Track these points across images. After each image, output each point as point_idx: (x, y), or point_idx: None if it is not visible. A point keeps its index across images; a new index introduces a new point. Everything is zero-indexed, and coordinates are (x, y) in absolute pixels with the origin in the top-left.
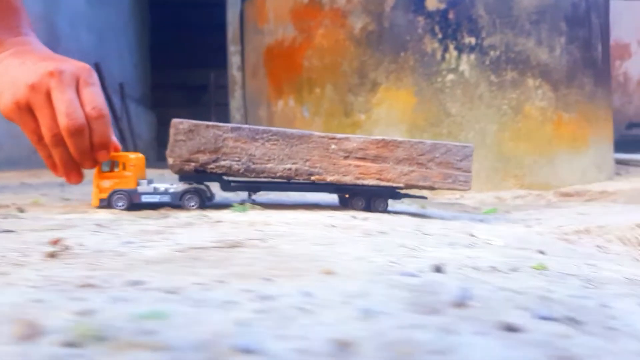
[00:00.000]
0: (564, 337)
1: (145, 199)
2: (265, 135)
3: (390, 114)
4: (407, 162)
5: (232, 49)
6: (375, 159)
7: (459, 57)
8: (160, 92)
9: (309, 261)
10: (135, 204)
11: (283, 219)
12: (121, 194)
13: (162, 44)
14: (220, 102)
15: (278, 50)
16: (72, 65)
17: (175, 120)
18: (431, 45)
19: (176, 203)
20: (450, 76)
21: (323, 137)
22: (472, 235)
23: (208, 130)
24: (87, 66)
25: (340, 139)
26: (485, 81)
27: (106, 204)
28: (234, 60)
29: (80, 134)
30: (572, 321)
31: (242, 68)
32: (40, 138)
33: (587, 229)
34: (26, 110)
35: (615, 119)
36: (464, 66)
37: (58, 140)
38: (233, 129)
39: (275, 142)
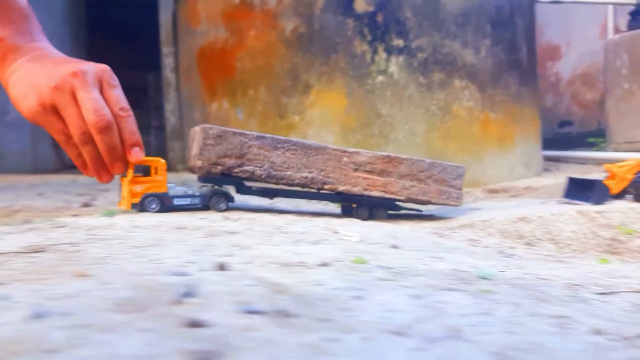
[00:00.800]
0: (246, 330)
1: (177, 202)
2: (286, 144)
3: (323, 116)
4: (408, 178)
5: (165, 50)
6: (381, 172)
7: (388, 59)
8: None
9: (89, 264)
10: (167, 207)
11: (146, 223)
12: (154, 197)
13: (99, 45)
14: (160, 105)
15: (211, 52)
16: (94, 67)
17: (205, 126)
18: (361, 47)
19: (204, 205)
20: (380, 78)
21: (336, 149)
22: (335, 232)
23: (235, 137)
24: (108, 67)
25: (351, 152)
26: (414, 82)
27: (139, 207)
28: (167, 62)
29: (108, 131)
30: (280, 314)
31: (176, 70)
32: (68, 138)
33: (471, 223)
34: (52, 111)
35: (548, 118)
36: (393, 68)
37: (87, 138)
38: (258, 137)
39: (295, 152)
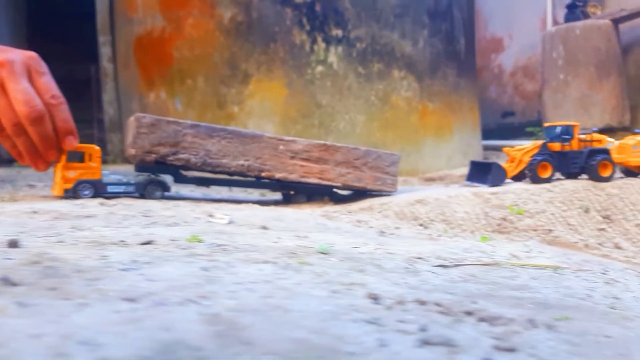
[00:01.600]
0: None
1: (111, 189)
2: (221, 133)
3: (263, 106)
4: (344, 165)
5: (102, 39)
6: (318, 160)
7: (327, 49)
8: None
9: None
10: (100, 194)
11: (11, 208)
12: (87, 183)
13: (40, 35)
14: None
15: (148, 41)
16: (21, 55)
17: (138, 115)
18: (300, 36)
19: (140, 193)
20: (320, 68)
21: (273, 138)
22: (210, 216)
23: (169, 126)
24: (35, 55)
25: (287, 141)
26: (353, 73)
27: (71, 193)
28: (104, 51)
29: (41, 121)
30: (7, 283)
31: (114, 60)
32: (1, 129)
33: (370, 206)
34: None
35: (492, 108)
36: (332, 58)
37: (19, 129)
38: (192, 126)
39: (231, 140)
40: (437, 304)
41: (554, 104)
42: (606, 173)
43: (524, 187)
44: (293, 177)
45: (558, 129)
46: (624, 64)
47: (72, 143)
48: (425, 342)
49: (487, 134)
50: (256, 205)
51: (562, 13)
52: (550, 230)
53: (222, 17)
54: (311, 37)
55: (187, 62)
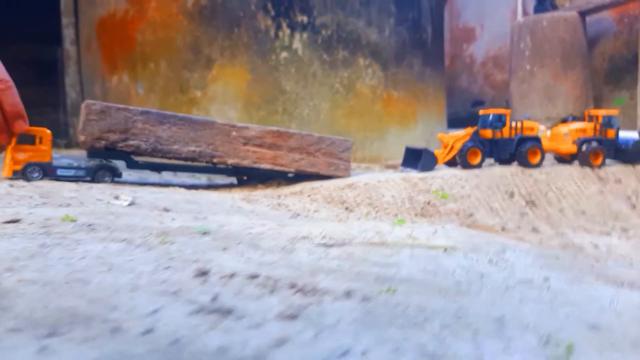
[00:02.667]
0: None
1: (60, 172)
2: (172, 119)
3: (226, 91)
4: (298, 151)
5: (65, 21)
6: (271, 146)
7: (292, 35)
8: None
9: None
10: (50, 177)
11: None
12: (36, 166)
13: (6, 15)
14: None
15: (111, 23)
16: None
17: (88, 102)
18: (264, 22)
19: (90, 177)
20: (284, 54)
21: (225, 124)
22: (116, 197)
23: (119, 112)
24: None
25: (240, 127)
26: (318, 59)
27: (20, 175)
28: (67, 33)
29: None
30: None
31: (77, 42)
32: None
33: (301, 190)
34: None
35: (463, 97)
36: (297, 44)
37: None
38: (142, 112)
39: (182, 127)
40: (268, 278)
41: (520, 93)
42: (535, 160)
43: (453, 173)
44: (246, 162)
45: (490, 117)
46: (589, 55)
47: (22, 126)
48: (200, 310)
49: (457, 122)
50: (183, 190)
51: (532, 4)
52: (471, 214)
53: (185, 0)
54: (276, 23)
55: (150, 46)
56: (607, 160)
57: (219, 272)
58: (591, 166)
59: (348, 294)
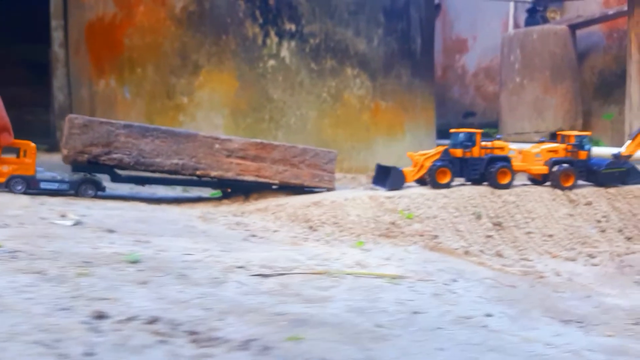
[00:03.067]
0: None
1: (44, 185)
2: (155, 132)
3: (212, 98)
4: (282, 163)
5: (54, 23)
6: (255, 158)
7: (279, 44)
8: None
9: None
10: (33, 190)
11: None
12: (20, 179)
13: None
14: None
15: (99, 27)
16: None
17: (70, 116)
18: (252, 29)
19: (74, 191)
20: (272, 62)
21: (208, 137)
22: (62, 216)
23: (102, 126)
24: None
25: (223, 139)
26: (305, 68)
27: (4, 187)
28: (56, 35)
29: None
30: None
31: (66, 44)
32: None
33: (266, 207)
34: None
35: (454, 108)
36: (284, 52)
37: None
38: (125, 126)
39: (164, 140)
40: (170, 322)
41: (510, 106)
42: (505, 180)
43: (421, 192)
44: (229, 175)
45: (461, 136)
46: (579, 69)
47: (7, 139)
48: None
49: (448, 133)
50: (143, 205)
51: (524, 17)
52: (436, 236)
53: (173, 6)
54: (264, 31)
55: (138, 51)
56: (580, 182)
57: (118, 315)
58: (562, 188)
59: (246, 344)
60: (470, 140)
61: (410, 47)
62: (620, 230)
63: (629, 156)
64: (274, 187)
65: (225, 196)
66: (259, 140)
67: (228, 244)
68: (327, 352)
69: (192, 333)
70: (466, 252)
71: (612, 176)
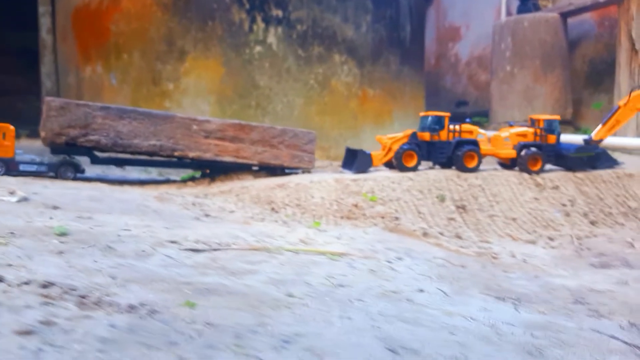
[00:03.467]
0: None
1: (23, 167)
2: (132, 114)
3: (198, 84)
4: (260, 144)
5: (42, 9)
6: (233, 139)
7: (266, 30)
8: None
9: None
10: (12, 172)
11: None
12: None
13: None
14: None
15: (86, 13)
16: None
17: (47, 98)
18: (239, 15)
19: (53, 173)
20: (258, 48)
21: (185, 118)
22: (11, 193)
23: (79, 108)
24: None
25: (201, 121)
26: (292, 55)
27: None
28: (43, 21)
29: None
30: None
31: (53, 31)
32: None
33: (230, 190)
34: None
35: (447, 97)
36: (271, 39)
37: None
38: (102, 108)
39: (142, 121)
40: (62, 287)
41: (500, 95)
42: (472, 164)
43: (387, 175)
44: (207, 156)
45: (429, 119)
46: (569, 57)
47: None
48: None
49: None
50: (104, 186)
51: (516, 5)
52: (397, 218)
53: None
54: (250, 16)
55: (124, 37)
56: (550, 167)
57: (15, 280)
58: (529, 172)
59: (133, 308)
60: (438, 124)
61: (399, 35)
62: (585, 214)
63: (600, 141)
64: (254, 168)
65: (204, 177)
66: (237, 121)
67: (175, 222)
68: (217, 317)
69: (83, 297)
70: (425, 234)
71: (581, 160)
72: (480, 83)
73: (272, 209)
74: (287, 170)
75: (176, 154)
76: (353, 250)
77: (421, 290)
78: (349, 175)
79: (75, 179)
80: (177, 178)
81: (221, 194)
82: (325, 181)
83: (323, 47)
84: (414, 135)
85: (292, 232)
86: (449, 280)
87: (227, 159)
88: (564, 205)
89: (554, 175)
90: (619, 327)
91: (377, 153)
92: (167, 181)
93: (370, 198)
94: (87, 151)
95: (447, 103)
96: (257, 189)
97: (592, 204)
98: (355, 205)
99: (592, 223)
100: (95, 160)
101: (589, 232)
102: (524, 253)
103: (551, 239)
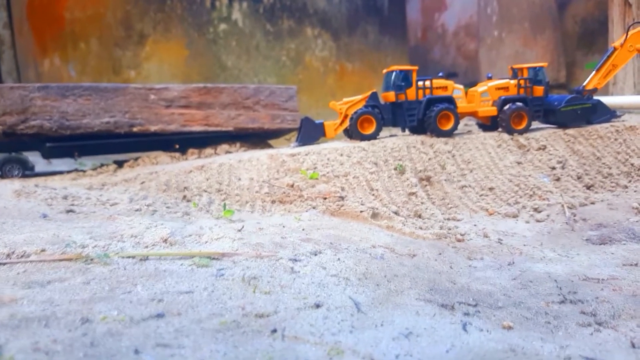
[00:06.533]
0: None
1: None
2: (76, 91)
3: (161, 69)
4: (233, 107)
5: None
6: (200, 105)
7: (230, 5)
8: None
9: None
10: None
11: None
12: None
13: None
14: None
15: (39, 2)
16: None
17: None
18: None
19: None
20: (223, 26)
21: (140, 87)
22: None
23: (13, 92)
24: None
25: (159, 89)
26: (260, 31)
27: None
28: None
29: None
30: None
31: (10, 25)
32: None
33: (136, 177)
34: None
35: (436, 70)
36: (236, 14)
37: None
38: (40, 88)
39: (89, 97)
40: None
41: (489, 61)
42: (447, 126)
43: (335, 147)
44: (172, 128)
45: (393, 75)
46: (560, 18)
47: None
48: None
49: None
50: None
51: None
52: (341, 198)
53: None
54: None
55: (80, 24)
56: (538, 126)
57: None
58: (513, 131)
59: None
60: (404, 80)
61: (376, 3)
62: (579, 178)
63: (594, 90)
64: (232, 135)
65: (175, 152)
66: (201, 85)
67: (4, 224)
68: None
69: None
70: (375, 215)
71: (574, 114)
72: (470, 52)
73: (184, 196)
74: (269, 133)
75: (135, 129)
76: (247, 248)
77: (317, 306)
78: (285, 150)
79: (24, 176)
80: (84, 167)
81: (123, 183)
82: (257, 159)
83: (293, 20)
84: (373, 95)
85: (162, 228)
86: (378, 281)
87: (196, 128)
88: (552, 168)
89: (540, 134)
90: (630, 346)
91: (331, 123)
92: (70, 172)
93: (311, 176)
94: (37, 143)
95: (435, 76)
96: (169, 173)
97: (587, 165)
98: (292, 186)
99: (588, 187)
100: (48, 153)
101: (584, 199)
102: (500, 231)
103: (537, 210)
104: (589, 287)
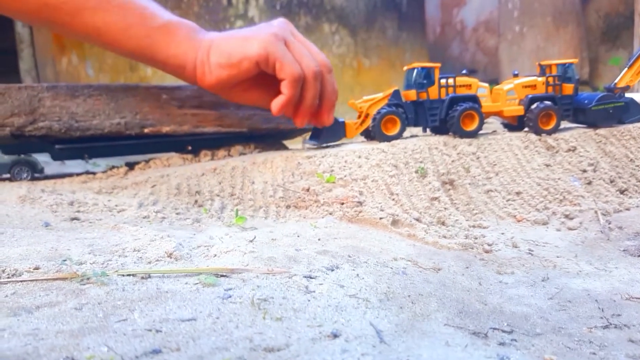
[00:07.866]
0: None
1: None
2: (86, 90)
3: None
4: (247, 106)
5: None
6: (213, 105)
7: (247, 2)
8: None
9: None
10: None
11: None
12: None
13: None
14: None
15: None
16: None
17: None
18: None
19: (5, 174)
20: (240, 23)
21: (151, 87)
22: None
23: (21, 92)
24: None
25: (171, 88)
26: None
27: None
28: None
29: (330, 74)
30: None
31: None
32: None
33: (146, 180)
34: (283, 40)
35: (455, 67)
36: (253, 11)
37: (317, 75)
38: (49, 88)
39: (99, 97)
40: None
41: (510, 57)
42: (471, 126)
43: (353, 148)
44: (185, 128)
45: (414, 72)
46: (583, 13)
47: (329, 121)
48: None
49: None
50: None
51: None
52: (360, 203)
53: None
54: None
55: None
56: (568, 125)
57: None
58: (540, 131)
59: None
60: (426, 78)
61: None
62: (612, 181)
63: (626, 88)
64: (246, 135)
65: (188, 154)
66: None
67: (1, 233)
68: None
69: None
70: (395, 222)
71: (606, 113)
72: (489, 49)
73: (195, 201)
74: (285, 133)
75: (146, 130)
76: (258, 262)
77: (335, 336)
78: (301, 153)
79: (33, 179)
80: (96, 170)
81: (133, 186)
82: (272, 161)
83: (310, 16)
84: (395, 94)
85: (168, 241)
86: (401, 302)
87: (209, 129)
88: (583, 171)
89: (569, 135)
90: None
91: (352, 122)
92: (81, 174)
93: (327, 179)
94: (46, 146)
95: (455, 73)
96: (181, 176)
97: (620, 168)
98: (307, 190)
99: (622, 192)
100: (57, 155)
101: (618, 205)
102: (530, 240)
103: (568, 216)
104: (633, 308)
